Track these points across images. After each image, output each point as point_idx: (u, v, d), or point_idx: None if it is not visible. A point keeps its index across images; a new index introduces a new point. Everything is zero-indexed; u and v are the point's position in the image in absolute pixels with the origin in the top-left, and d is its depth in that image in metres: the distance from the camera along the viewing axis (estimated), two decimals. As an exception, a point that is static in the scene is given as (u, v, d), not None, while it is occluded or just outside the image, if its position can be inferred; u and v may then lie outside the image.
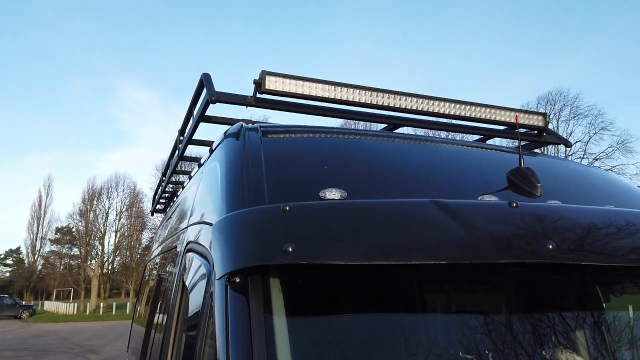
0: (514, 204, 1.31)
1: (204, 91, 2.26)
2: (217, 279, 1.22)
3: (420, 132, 2.96)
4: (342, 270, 1.17)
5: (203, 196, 1.98)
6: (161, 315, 2.32)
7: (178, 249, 2.18)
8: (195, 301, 1.48)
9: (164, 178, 4.24)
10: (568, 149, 31.65)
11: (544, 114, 2.60)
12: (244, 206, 1.36)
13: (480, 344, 1.26)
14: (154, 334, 2.50)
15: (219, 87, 2.24)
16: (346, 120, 2.51)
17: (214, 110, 2.52)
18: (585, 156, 31.85)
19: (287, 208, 1.19)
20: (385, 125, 2.64)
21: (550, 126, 2.69)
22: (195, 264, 1.63)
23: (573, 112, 32.32)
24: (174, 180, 4.12)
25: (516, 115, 2.35)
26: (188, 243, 1.90)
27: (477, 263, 1.15)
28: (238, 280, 1.16)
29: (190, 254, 1.77)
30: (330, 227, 1.17)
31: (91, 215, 52.97)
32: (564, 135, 32.59)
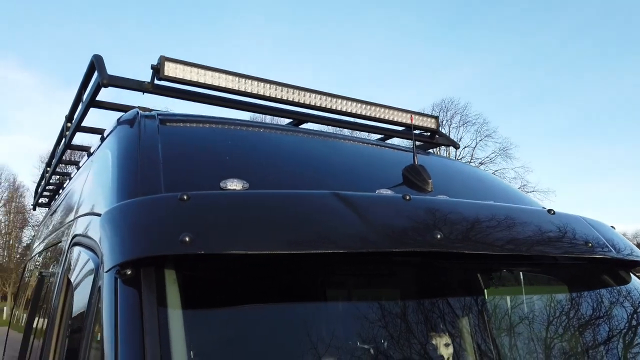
0: (407, 197, 1.39)
1: (95, 74, 2.11)
2: (106, 272, 1.14)
3: (325, 129, 3.03)
4: (242, 261, 1.15)
5: (92, 187, 1.84)
6: (42, 318, 2.12)
7: (63, 244, 2.01)
8: (80, 299, 1.37)
9: (48, 169, 3.87)
10: (458, 151, 34.38)
11: (436, 117, 2.79)
12: (138, 196, 1.29)
13: (380, 332, 1.32)
14: (34, 339, 2.27)
15: (113, 73, 2.10)
16: (253, 113, 2.49)
17: (106, 96, 2.36)
18: (472, 161, 34.77)
19: (185, 197, 1.15)
20: (290, 120, 2.66)
21: (441, 129, 2.90)
22: (82, 258, 1.50)
23: (462, 119, 35.15)
24: (59, 171, 3.77)
25: (411, 116, 2.49)
26: (75, 237, 1.75)
27: (373, 252, 1.20)
28: (129, 273, 1.09)
29: (76, 248, 1.64)
30: (230, 217, 1.14)
31: (-40, 210, 46.88)
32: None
